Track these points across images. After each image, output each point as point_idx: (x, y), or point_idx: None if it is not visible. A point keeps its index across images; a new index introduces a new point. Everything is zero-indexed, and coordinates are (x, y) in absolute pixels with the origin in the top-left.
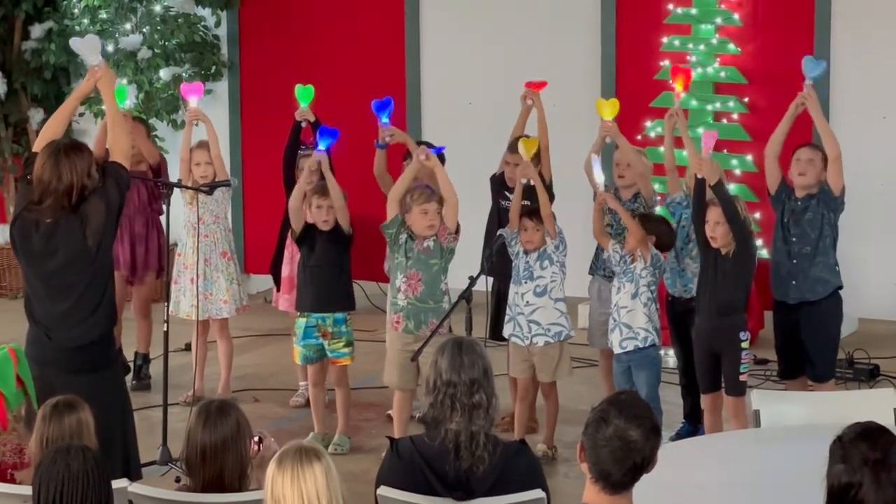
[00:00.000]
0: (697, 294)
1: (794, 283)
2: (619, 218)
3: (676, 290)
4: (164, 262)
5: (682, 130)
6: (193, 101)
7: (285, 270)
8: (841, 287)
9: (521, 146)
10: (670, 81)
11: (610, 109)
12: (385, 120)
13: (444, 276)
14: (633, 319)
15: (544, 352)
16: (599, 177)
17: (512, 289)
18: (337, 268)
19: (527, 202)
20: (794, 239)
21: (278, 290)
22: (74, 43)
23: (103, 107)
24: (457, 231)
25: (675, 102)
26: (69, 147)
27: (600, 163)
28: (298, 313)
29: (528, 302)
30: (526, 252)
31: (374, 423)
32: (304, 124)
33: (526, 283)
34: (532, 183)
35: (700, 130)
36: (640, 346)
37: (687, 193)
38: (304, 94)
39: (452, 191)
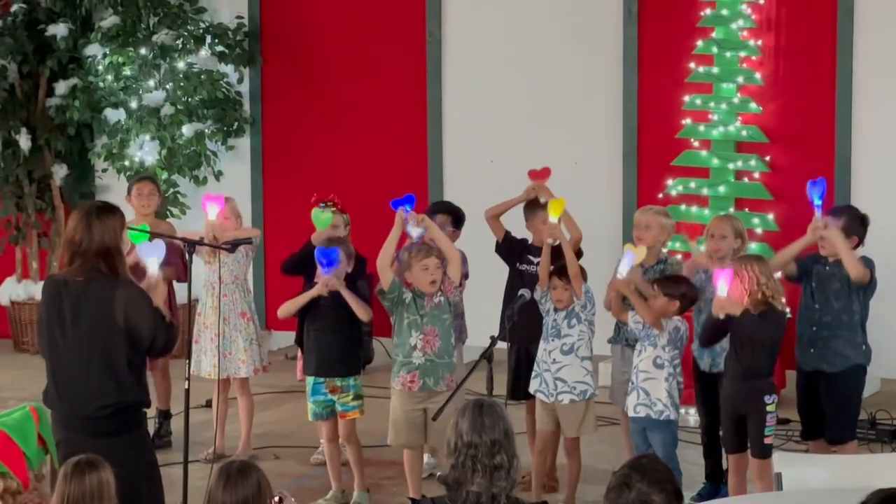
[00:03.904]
0: (726, 358)
1: (811, 350)
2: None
3: (704, 362)
4: (178, 321)
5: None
6: (212, 213)
7: None
8: (864, 365)
9: (549, 208)
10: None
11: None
12: (407, 207)
13: (452, 331)
14: (652, 388)
15: (570, 408)
16: (624, 270)
17: (541, 345)
18: (340, 334)
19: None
20: (816, 306)
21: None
22: (142, 249)
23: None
24: (461, 283)
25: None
26: (101, 209)
27: (632, 258)
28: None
29: (554, 359)
30: (556, 310)
31: (394, 480)
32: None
33: (553, 340)
34: (557, 243)
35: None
36: (653, 416)
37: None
38: (321, 220)
39: (452, 247)
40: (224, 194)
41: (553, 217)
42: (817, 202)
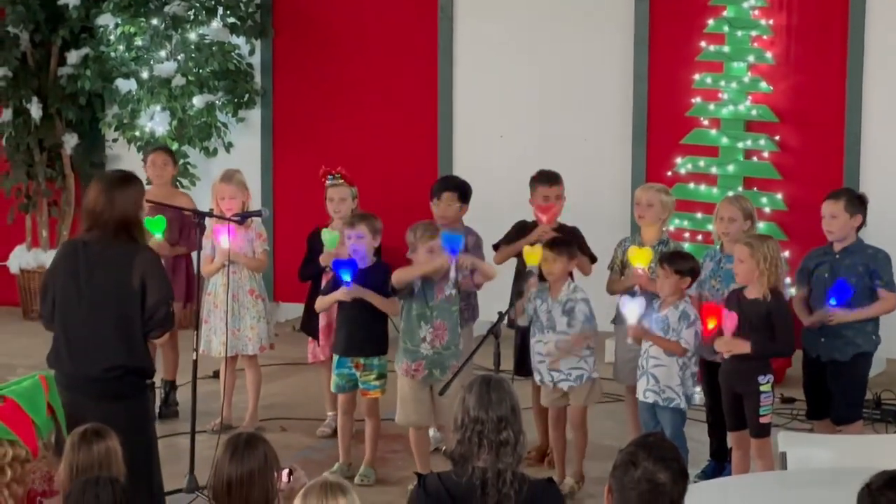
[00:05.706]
0: None
1: (822, 340)
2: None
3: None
4: (194, 293)
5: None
6: (225, 243)
7: (323, 319)
8: (871, 352)
9: (526, 256)
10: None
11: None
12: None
13: (459, 320)
14: (662, 375)
15: (573, 388)
16: (633, 316)
17: (535, 337)
18: (367, 314)
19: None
20: (832, 300)
21: (318, 342)
22: None
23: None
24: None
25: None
26: (122, 179)
27: (638, 308)
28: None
29: (550, 353)
30: (550, 300)
31: (400, 454)
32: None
33: (548, 332)
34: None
35: (730, 193)
36: (661, 404)
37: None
38: (329, 240)
39: (492, 269)
40: (232, 167)
41: (530, 264)
42: (833, 301)
